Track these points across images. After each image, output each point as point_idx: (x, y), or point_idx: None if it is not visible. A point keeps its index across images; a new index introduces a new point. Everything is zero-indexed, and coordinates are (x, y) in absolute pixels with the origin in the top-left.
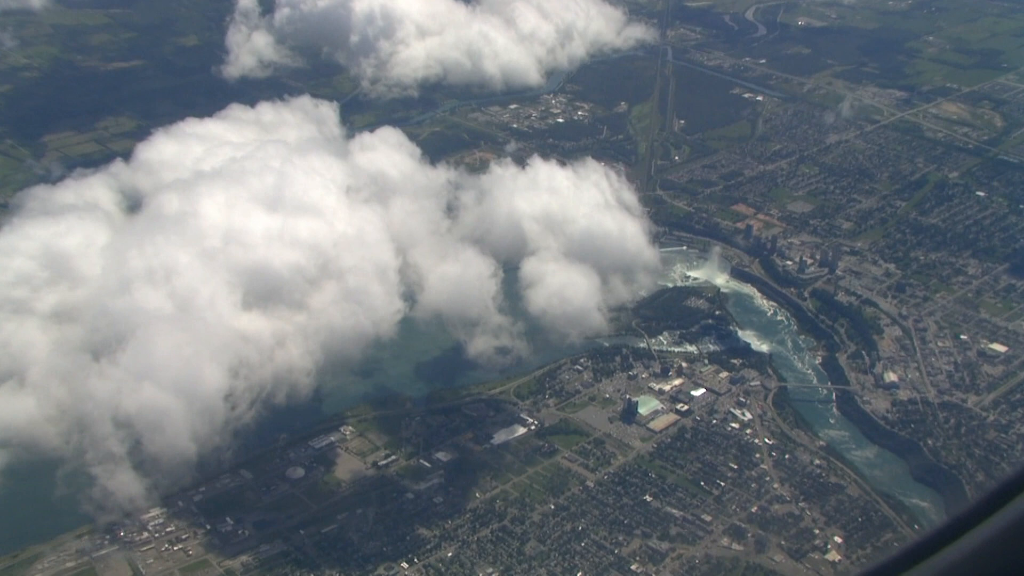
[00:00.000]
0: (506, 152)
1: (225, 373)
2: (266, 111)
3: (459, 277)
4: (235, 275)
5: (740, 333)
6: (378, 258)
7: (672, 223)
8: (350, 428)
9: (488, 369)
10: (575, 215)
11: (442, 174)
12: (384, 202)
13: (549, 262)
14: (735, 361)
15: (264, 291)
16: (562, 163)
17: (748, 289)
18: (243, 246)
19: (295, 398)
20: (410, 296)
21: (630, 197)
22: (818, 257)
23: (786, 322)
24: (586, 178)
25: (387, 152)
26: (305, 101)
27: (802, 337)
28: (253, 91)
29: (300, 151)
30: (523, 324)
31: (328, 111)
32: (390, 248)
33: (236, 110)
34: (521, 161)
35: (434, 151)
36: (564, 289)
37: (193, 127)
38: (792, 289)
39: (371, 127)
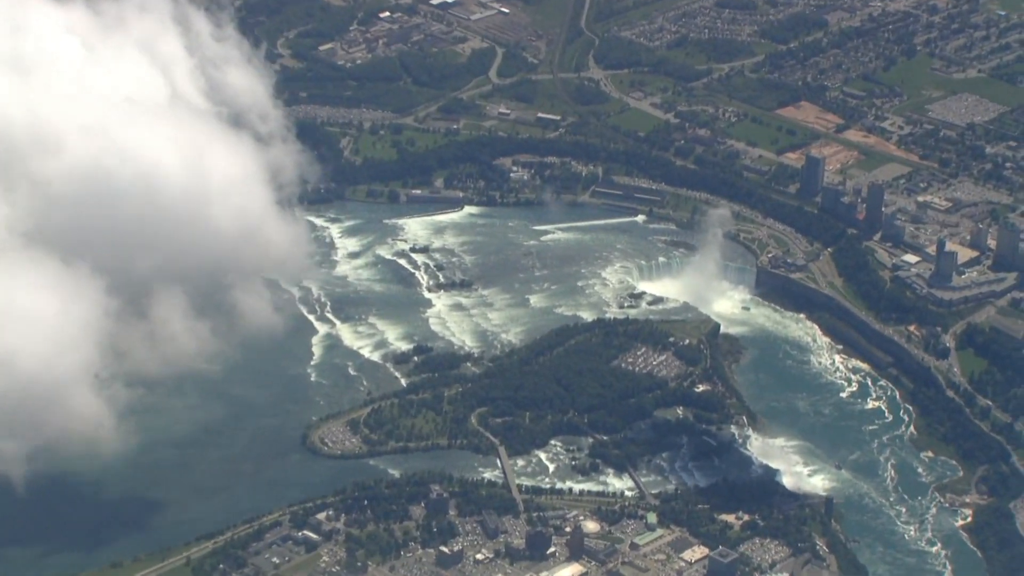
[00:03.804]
0: None
1: None
2: None
3: None
4: None
5: (755, 443)
6: None
7: (616, 154)
8: None
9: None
10: (54, 134)
11: None
12: None
13: None
14: (730, 519)
15: None
16: None
17: (800, 326)
18: None
19: None
20: None
21: (244, 82)
22: (992, 244)
23: (887, 413)
24: (114, 28)
25: None
26: None
27: (927, 455)
28: None
29: None
30: None
31: None
32: None
33: None
34: None
35: None
36: None
37: None
38: (913, 326)
39: None
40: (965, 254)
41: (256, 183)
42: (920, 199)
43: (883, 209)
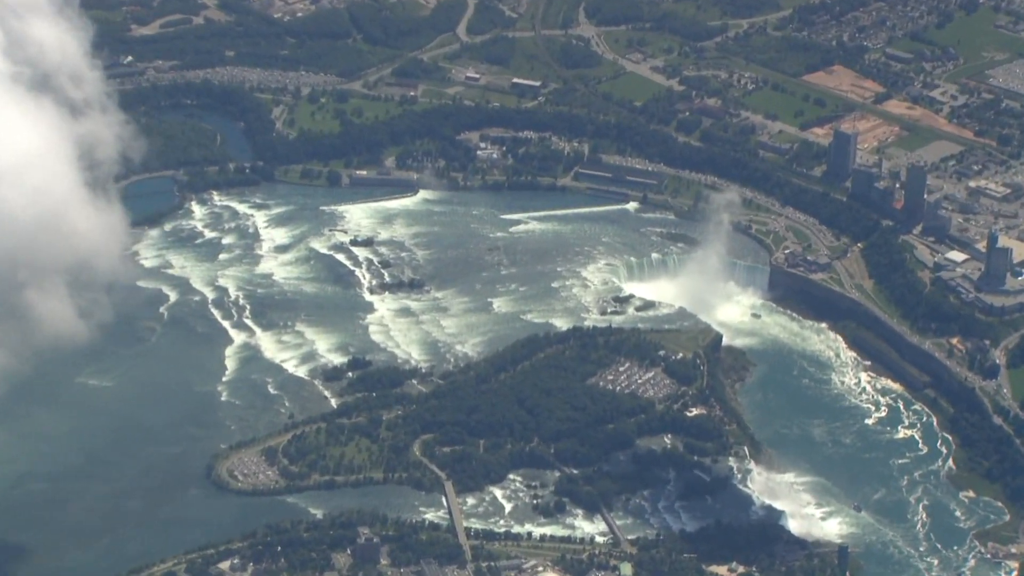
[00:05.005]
0: None
1: None
2: None
3: None
4: None
5: (757, 479)
6: None
7: (606, 128)
8: None
9: None
10: None
11: None
12: None
13: None
14: (722, 570)
15: None
16: None
17: (821, 338)
18: None
19: None
20: None
21: (52, 37)
22: None
23: (920, 443)
24: None
25: None
26: None
27: (967, 495)
28: None
29: None
30: None
31: None
32: None
33: None
34: None
35: None
36: None
37: None
38: (956, 339)
39: None
40: (1022, 251)
41: (61, 160)
42: (972, 184)
43: (925, 196)
